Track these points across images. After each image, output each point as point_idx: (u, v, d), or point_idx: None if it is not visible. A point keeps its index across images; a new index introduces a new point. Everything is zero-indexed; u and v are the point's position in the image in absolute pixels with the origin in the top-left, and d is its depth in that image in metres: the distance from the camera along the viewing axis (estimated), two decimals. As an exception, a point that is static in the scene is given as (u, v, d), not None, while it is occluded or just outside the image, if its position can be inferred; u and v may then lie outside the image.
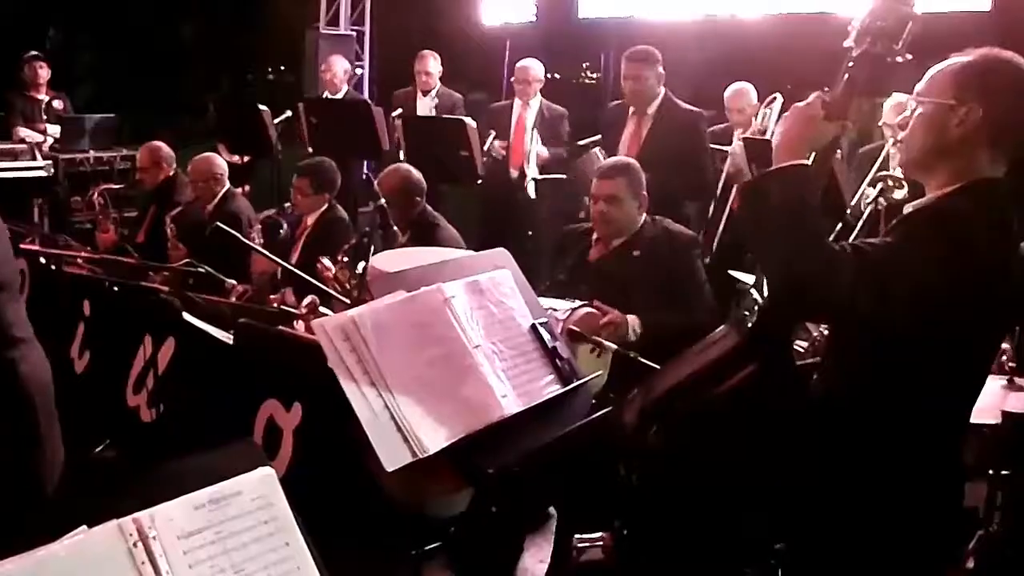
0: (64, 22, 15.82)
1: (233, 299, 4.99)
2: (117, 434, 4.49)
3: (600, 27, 10.51)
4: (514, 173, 7.29)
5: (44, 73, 8.98)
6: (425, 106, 8.20)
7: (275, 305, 4.66)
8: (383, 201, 3.73)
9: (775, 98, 6.30)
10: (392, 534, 3.25)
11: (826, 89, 2.39)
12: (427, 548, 3.30)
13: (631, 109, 6.05)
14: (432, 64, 8.29)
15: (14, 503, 2.65)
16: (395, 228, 3.65)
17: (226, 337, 4.26)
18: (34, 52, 9.19)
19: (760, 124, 6.30)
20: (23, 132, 8.75)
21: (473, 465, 2.52)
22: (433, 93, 8.29)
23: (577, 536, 3.06)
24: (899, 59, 2.35)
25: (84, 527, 1.71)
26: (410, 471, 2.44)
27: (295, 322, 4.35)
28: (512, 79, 7.50)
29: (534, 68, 7.42)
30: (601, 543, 3.00)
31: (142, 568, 1.73)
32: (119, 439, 4.50)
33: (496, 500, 2.86)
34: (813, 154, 2.39)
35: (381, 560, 3.23)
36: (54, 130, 8.85)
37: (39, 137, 8.74)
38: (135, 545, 1.73)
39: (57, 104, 9.08)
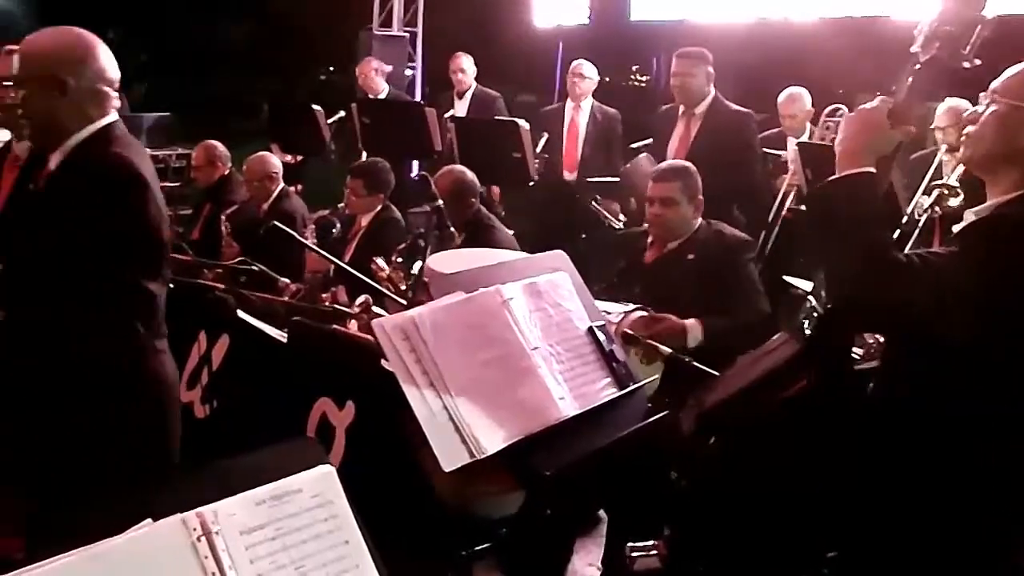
0: (121, 23, 16.04)
1: (286, 298, 5.03)
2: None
3: (652, 30, 10.49)
4: (567, 176, 7.27)
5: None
6: (462, 107, 8.23)
7: (328, 304, 4.69)
8: (440, 202, 3.73)
9: (839, 109, 6.24)
10: (442, 534, 3.26)
11: (891, 91, 2.36)
12: (477, 549, 3.31)
13: (680, 110, 6.04)
14: (465, 64, 8.32)
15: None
16: (452, 229, 3.65)
17: (280, 335, 4.30)
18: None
19: (821, 132, 6.25)
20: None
21: (530, 467, 2.52)
22: (468, 94, 8.31)
23: (631, 544, 3.05)
24: (967, 64, 2.31)
25: (149, 520, 1.73)
26: (462, 471, 2.45)
27: (348, 321, 4.38)
28: (565, 77, 7.50)
29: (588, 67, 7.42)
30: (656, 551, 2.98)
31: (205, 563, 1.75)
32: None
33: (551, 503, 2.87)
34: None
35: (431, 560, 3.24)
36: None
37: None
38: (199, 539, 1.75)
39: (115, 103, 9.20)
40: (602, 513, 3.98)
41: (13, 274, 2.96)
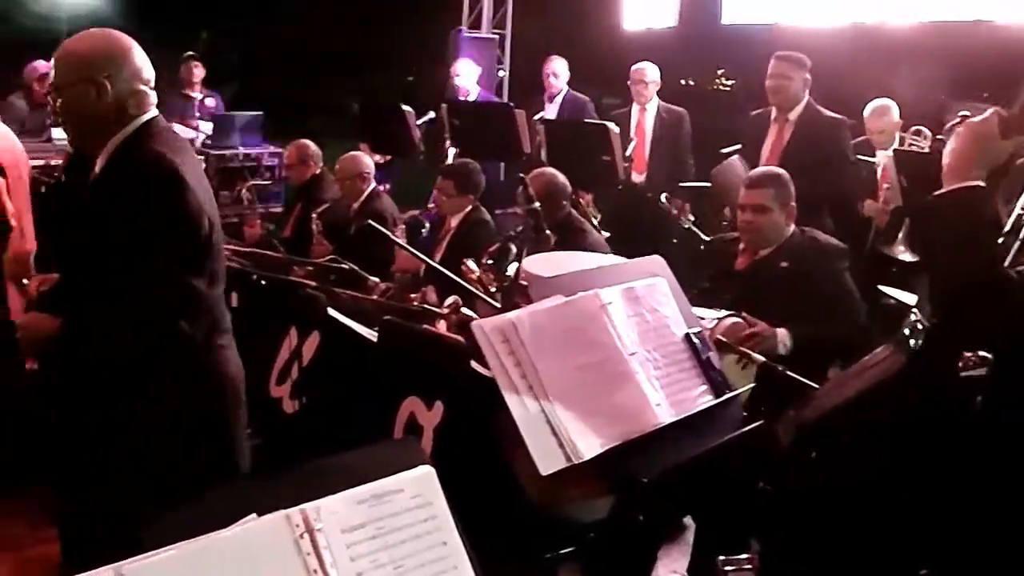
0: (213, 24, 16.35)
1: (375, 296, 5.07)
2: (259, 422, 4.59)
3: (743, 33, 10.35)
4: (637, 178, 7.22)
5: (199, 72, 9.32)
6: (552, 110, 8.21)
7: (417, 304, 4.71)
8: (537, 204, 3.73)
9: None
10: (528, 536, 3.24)
11: (994, 100, 2.29)
12: (561, 552, 3.29)
13: (773, 115, 5.97)
14: (558, 67, 8.30)
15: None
16: (547, 232, 3.64)
17: (370, 333, 4.33)
18: (190, 52, 9.54)
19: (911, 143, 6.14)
20: (177, 128, 9.07)
21: (626, 473, 2.50)
22: (559, 97, 8.29)
23: (722, 557, 3.01)
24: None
25: (253, 515, 1.75)
26: (554, 474, 2.44)
27: (436, 321, 4.39)
28: (629, 82, 7.43)
29: (649, 70, 7.34)
30: (749, 565, 2.94)
31: (307, 559, 1.76)
32: (261, 427, 4.60)
33: (644, 510, 2.83)
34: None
35: (516, 561, 3.23)
36: (206, 127, 9.16)
37: (192, 133, 9.05)
38: (301, 536, 1.77)
39: (210, 102, 9.40)
40: (688, 521, 3.94)
41: (67, 277, 3.01)
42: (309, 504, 1.79)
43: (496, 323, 2.41)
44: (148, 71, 2.95)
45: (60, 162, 6.32)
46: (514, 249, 4.43)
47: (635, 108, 7.36)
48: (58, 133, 6.68)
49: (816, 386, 3.54)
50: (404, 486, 1.91)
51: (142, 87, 2.92)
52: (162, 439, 2.86)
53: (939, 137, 6.18)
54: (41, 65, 7.88)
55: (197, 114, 9.28)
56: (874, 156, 6.45)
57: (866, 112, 6.73)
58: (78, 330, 2.89)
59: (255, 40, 16.26)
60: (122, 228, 2.77)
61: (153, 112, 2.95)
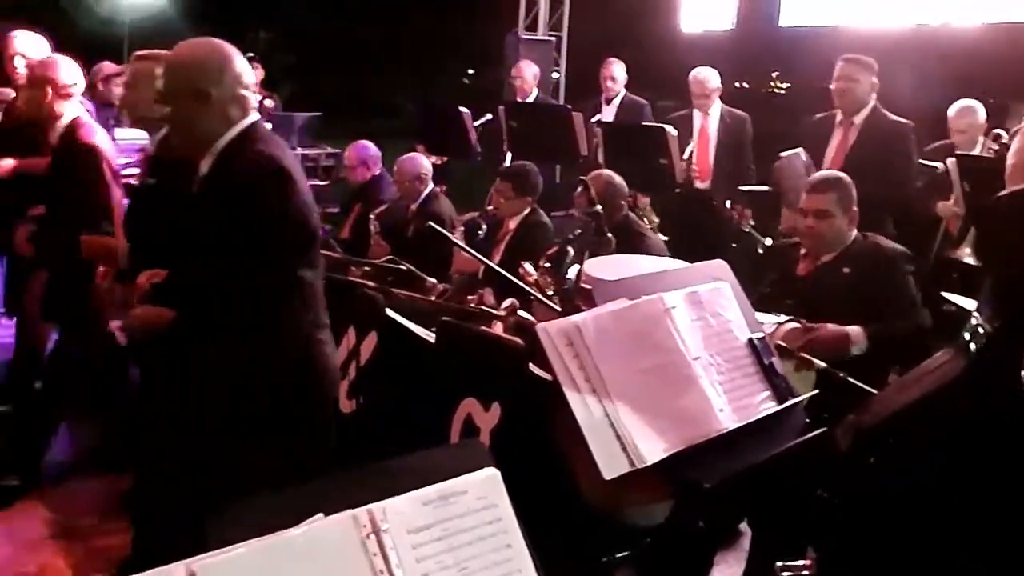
0: (271, 26, 16.53)
1: (432, 297, 5.08)
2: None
3: (802, 36, 10.26)
4: (700, 184, 7.14)
5: (258, 74, 9.41)
6: (609, 113, 8.17)
7: (474, 305, 4.72)
8: (598, 207, 3.72)
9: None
10: (584, 539, 3.24)
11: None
12: (617, 556, 3.28)
13: (838, 118, 5.91)
14: (617, 70, 8.25)
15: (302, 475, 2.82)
16: (609, 235, 3.63)
17: (427, 334, 4.34)
18: (250, 54, 9.62)
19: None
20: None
21: (688, 478, 2.48)
22: (617, 100, 8.26)
23: (780, 564, 2.98)
24: None
25: (321, 514, 1.76)
26: (613, 478, 2.43)
27: (493, 323, 4.39)
28: (690, 91, 7.31)
29: (711, 79, 7.20)
30: (806, 572, 2.91)
31: (373, 560, 1.77)
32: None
33: (704, 515, 2.82)
34: None
35: (571, 563, 3.22)
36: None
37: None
38: (368, 536, 1.77)
39: (268, 103, 9.49)
40: (743, 527, 3.91)
41: (178, 277, 3.08)
42: (376, 504, 1.79)
43: (561, 326, 2.41)
44: (248, 76, 3.07)
45: (127, 161, 6.41)
46: (571, 252, 4.43)
47: (697, 112, 7.25)
48: (121, 132, 6.77)
49: (875, 391, 3.49)
50: (469, 488, 1.91)
51: (243, 92, 3.03)
52: (266, 430, 2.95)
53: (1003, 142, 6.08)
54: (106, 66, 7.99)
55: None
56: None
57: (951, 112, 6.63)
58: (191, 322, 3.00)
59: (311, 41, 16.41)
60: (236, 224, 2.89)
61: (254, 116, 3.06)
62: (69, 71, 4.76)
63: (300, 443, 3.02)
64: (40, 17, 6.60)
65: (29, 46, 5.57)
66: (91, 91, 7.78)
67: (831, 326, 3.98)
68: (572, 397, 2.35)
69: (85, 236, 4.58)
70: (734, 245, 6.40)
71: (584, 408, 2.34)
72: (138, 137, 4.96)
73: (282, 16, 16.41)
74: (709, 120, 7.22)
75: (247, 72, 3.07)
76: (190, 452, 3.13)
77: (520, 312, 4.29)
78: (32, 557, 4.30)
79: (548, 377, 3.46)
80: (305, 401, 3.06)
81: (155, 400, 3.44)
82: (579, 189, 4.58)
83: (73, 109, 4.73)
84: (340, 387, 4.66)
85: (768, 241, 6.13)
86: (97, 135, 4.70)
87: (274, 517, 1.72)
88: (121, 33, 13.90)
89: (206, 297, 2.95)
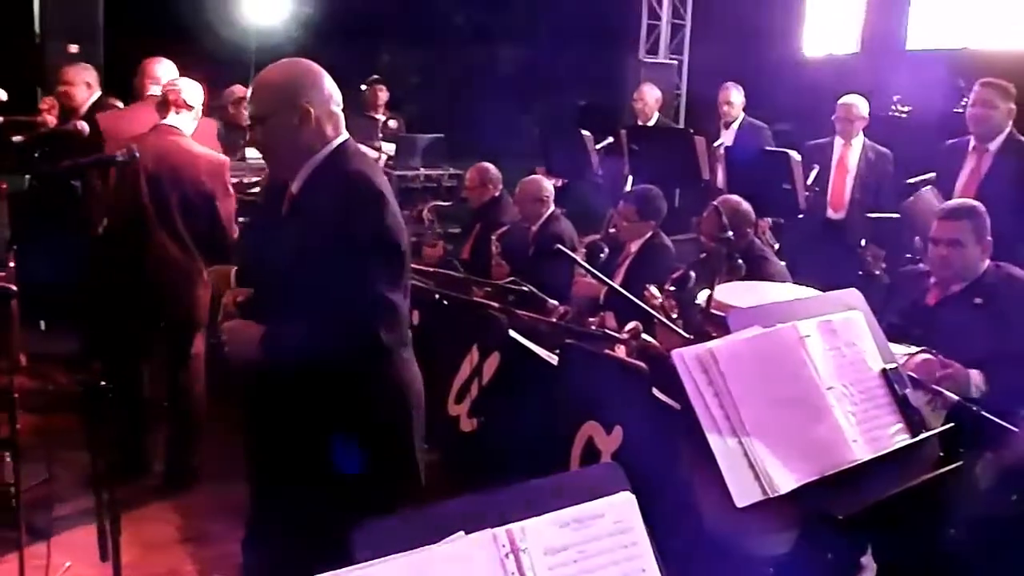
0: (393, 47, 16.79)
1: (554, 319, 5.11)
2: (437, 439, 4.69)
3: (929, 59, 10.03)
4: (832, 215, 7.02)
5: (383, 96, 9.62)
6: (728, 137, 8.11)
7: (596, 328, 4.73)
8: (729, 233, 3.70)
9: None
10: (706, 566, 3.21)
11: None
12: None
13: (971, 144, 5.77)
14: (734, 95, 8.21)
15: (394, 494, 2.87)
16: (740, 261, 3.62)
17: (549, 356, 4.37)
18: (375, 76, 9.84)
19: None
20: (362, 150, 9.34)
21: (820, 509, 2.46)
22: (735, 124, 8.20)
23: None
24: None
25: (461, 532, 1.79)
26: (737, 506, 2.41)
27: (616, 346, 4.40)
28: (834, 116, 7.14)
29: (859, 106, 7.03)
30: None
31: (511, 579, 1.79)
32: (438, 444, 4.69)
33: (833, 547, 2.78)
34: None
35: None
36: (389, 148, 9.40)
37: (375, 154, 9.31)
38: (507, 556, 1.80)
39: (392, 124, 9.67)
40: (865, 561, 3.84)
41: (267, 293, 3.13)
42: (515, 524, 1.82)
43: (696, 352, 2.41)
44: (338, 95, 3.07)
45: (255, 179, 6.63)
46: (694, 275, 4.41)
47: (838, 141, 7.06)
48: (252, 152, 7.00)
49: (1014, 428, 3.39)
50: (606, 511, 1.92)
51: (335, 110, 3.04)
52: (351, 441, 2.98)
53: None
54: (237, 89, 8.27)
55: (380, 135, 9.54)
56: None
57: None
58: (281, 340, 3.00)
59: (434, 63, 16.62)
60: (327, 243, 2.89)
61: (345, 135, 3.07)
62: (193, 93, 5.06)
63: (385, 462, 3.03)
64: (170, 42, 6.85)
65: (162, 71, 5.85)
66: (223, 112, 8.07)
67: (956, 365, 3.88)
68: (706, 423, 2.34)
69: (211, 269, 4.80)
70: (860, 273, 6.29)
71: (717, 435, 2.33)
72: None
73: (404, 39, 16.66)
74: (851, 151, 7.03)
75: (336, 91, 3.07)
76: (281, 469, 3.19)
77: (643, 336, 4.29)
78: (161, 559, 4.45)
79: (671, 402, 3.48)
80: (390, 420, 3.06)
81: (251, 416, 3.51)
82: (706, 214, 4.57)
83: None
84: (462, 407, 4.76)
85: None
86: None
87: (416, 533, 1.76)
88: (248, 57, 14.29)
89: (296, 316, 2.96)
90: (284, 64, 3.09)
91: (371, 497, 2.86)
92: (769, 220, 7.05)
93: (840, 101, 7.13)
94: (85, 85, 6.36)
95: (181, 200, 4.90)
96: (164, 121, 4.96)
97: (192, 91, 5.03)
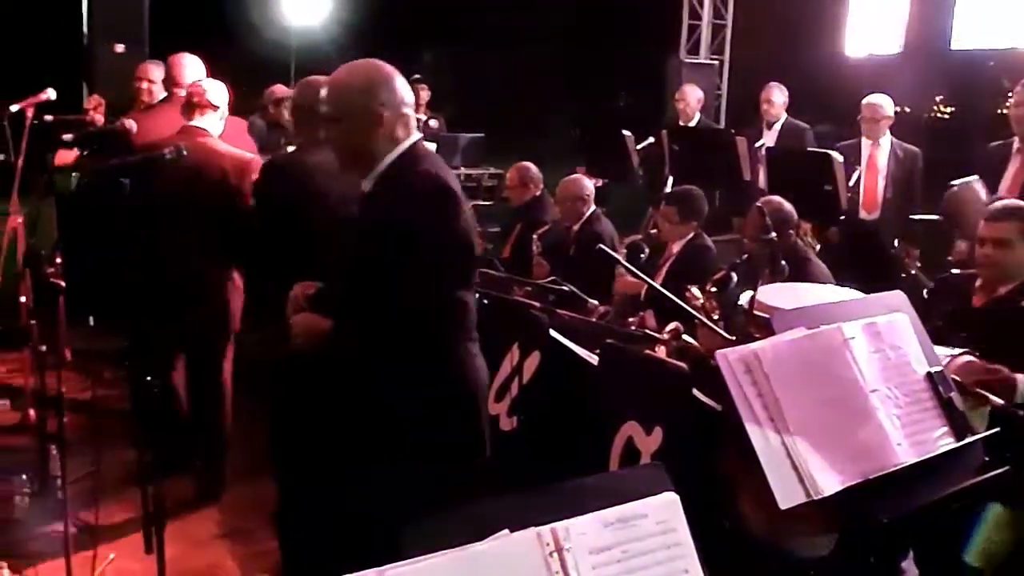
0: (433, 47, 16.87)
1: (594, 319, 5.11)
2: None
3: (974, 59, 9.93)
4: (865, 215, 6.98)
5: (424, 95, 9.66)
6: (770, 137, 8.06)
7: (636, 328, 4.72)
8: (774, 234, 3.69)
9: None
10: (745, 568, 3.21)
11: None
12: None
13: (1015, 146, 5.69)
14: (776, 95, 8.15)
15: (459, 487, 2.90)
16: (783, 263, 3.60)
17: (590, 356, 4.37)
18: (417, 76, 9.88)
19: None
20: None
21: (863, 512, 2.45)
22: (778, 125, 8.15)
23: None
24: None
25: (506, 530, 1.80)
26: (777, 508, 2.40)
27: (656, 346, 4.39)
28: (859, 117, 7.13)
29: (884, 105, 7.00)
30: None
31: (555, 577, 1.80)
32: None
33: (877, 551, 2.76)
34: None
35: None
36: (430, 147, 9.44)
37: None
38: (551, 555, 1.81)
39: (433, 124, 9.71)
40: (905, 565, 3.81)
41: (339, 289, 3.17)
42: (559, 523, 1.83)
43: (740, 353, 2.40)
44: (410, 96, 3.11)
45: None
46: (735, 277, 4.40)
47: (865, 142, 7.06)
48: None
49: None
50: (649, 511, 1.93)
51: (407, 111, 3.09)
52: (420, 445, 3.03)
53: None
54: (278, 89, 8.32)
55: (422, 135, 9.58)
56: None
57: None
58: (350, 338, 3.08)
59: (474, 62, 16.69)
60: (398, 243, 2.93)
61: (416, 135, 3.11)
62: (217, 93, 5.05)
63: (453, 457, 3.06)
64: (213, 42, 6.91)
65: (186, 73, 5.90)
66: (265, 111, 8.14)
67: (1004, 370, 3.84)
68: (750, 425, 2.34)
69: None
70: (903, 276, 6.23)
71: (762, 437, 2.33)
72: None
73: (444, 39, 16.73)
74: (879, 150, 7.03)
75: (408, 92, 3.11)
76: (342, 467, 3.23)
77: (684, 336, 4.28)
78: (202, 555, 4.50)
79: (712, 403, 3.47)
80: (458, 416, 3.10)
81: (309, 412, 3.54)
82: (748, 215, 4.54)
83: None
84: (502, 405, 4.76)
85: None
86: None
87: (462, 529, 1.78)
88: (288, 57, 14.38)
89: (366, 314, 3.01)
90: (359, 65, 3.13)
91: (443, 487, 2.91)
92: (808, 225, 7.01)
93: (864, 101, 7.09)
94: (160, 83, 6.43)
95: (205, 201, 4.83)
96: (191, 123, 4.93)
97: (216, 91, 4.99)
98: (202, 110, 4.94)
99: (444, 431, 3.05)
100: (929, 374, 2.75)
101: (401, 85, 3.08)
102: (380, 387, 3.04)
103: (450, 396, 3.08)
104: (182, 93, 5.82)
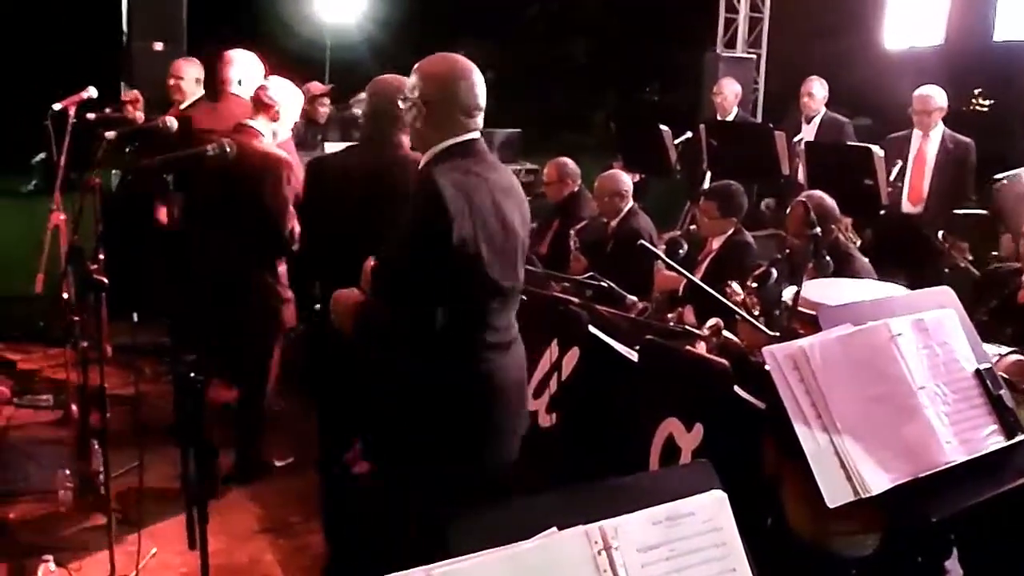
0: (467, 42, 16.87)
1: (632, 315, 5.08)
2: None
3: (1018, 51, 9.79)
4: (910, 208, 6.90)
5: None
6: (809, 132, 7.98)
7: (676, 324, 4.70)
8: (818, 229, 3.65)
9: None
10: (788, 567, 3.18)
11: None
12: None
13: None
14: (816, 88, 8.05)
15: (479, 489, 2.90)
16: (827, 258, 3.57)
17: (629, 352, 4.34)
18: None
19: None
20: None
21: (913, 511, 2.42)
22: (817, 119, 8.07)
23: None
24: None
25: (554, 528, 1.80)
26: (821, 506, 2.38)
27: (696, 342, 4.36)
28: (910, 109, 7.01)
29: (936, 97, 6.89)
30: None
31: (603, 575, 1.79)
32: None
33: (924, 550, 2.74)
34: None
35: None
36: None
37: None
38: (599, 553, 1.80)
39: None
40: (950, 565, 3.77)
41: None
42: (607, 521, 1.82)
43: (787, 350, 2.38)
44: (475, 96, 3.09)
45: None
46: (776, 272, 4.36)
47: (916, 134, 6.93)
48: (329, 147, 7.07)
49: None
50: (697, 509, 1.92)
51: (468, 108, 3.08)
52: (448, 440, 3.04)
53: None
54: (313, 86, 8.35)
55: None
56: None
57: None
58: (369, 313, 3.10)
59: (511, 58, 16.68)
60: (404, 232, 2.99)
61: (467, 136, 3.11)
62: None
63: (452, 457, 3.07)
64: (250, 40, 6.93)
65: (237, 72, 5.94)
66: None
67: None
68: (797, 422, 2.32)
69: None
70: (947, 271, 6.16)
71: (809, 434, 2.31)
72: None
73: (478, 34, 16.73)
74: (929, 142, 6.90)
75: (474, 92, 3.09)
76: (376, 459, 3.24)
77: (724, 332, 4.26)
78: (243, 549, 4.52)
79: (754, 400, 3.44)
80: (458, 416, 3.09)
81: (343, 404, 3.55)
82: (791, 209, 4.51)
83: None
84: (541, 402, 4.75)
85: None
86: None
87: (510, 528, 1.77)
88: (323, 53, 14.44)
89: (384, 294, 3.04)
90: (439, 58, 3.13)
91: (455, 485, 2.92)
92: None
93: (916, 93, 6.98)
94: (194, 81, 6.46)
95: (242, 199, 4.83)
96: (248, 121, 4.92)
97: (281, 95, 4.98)
98: (259, 111, 4.93)
99: (443, 430, 3.05)
100: (978, 371, 2.72)
101: (465, 85, 3.07)
102: (390, 375, 3.07)
103: (450, 395, 3.07)
104: (232, 90, 5.89)
